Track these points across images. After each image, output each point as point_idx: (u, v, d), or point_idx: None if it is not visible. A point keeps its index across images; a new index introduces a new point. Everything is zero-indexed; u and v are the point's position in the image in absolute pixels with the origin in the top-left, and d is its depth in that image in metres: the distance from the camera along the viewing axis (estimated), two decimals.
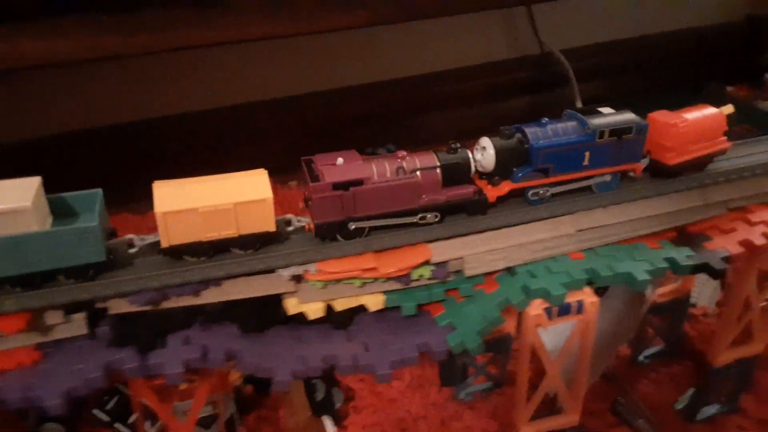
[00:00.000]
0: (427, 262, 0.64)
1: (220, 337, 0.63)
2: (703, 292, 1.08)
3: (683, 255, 0.69)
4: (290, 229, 0.67)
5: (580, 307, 0.66)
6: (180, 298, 0.61)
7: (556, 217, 0.69)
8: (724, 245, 0.71)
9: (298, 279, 0.63)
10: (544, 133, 0.70)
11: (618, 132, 0.70)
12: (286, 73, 1.52)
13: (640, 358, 1.01)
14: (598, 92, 1.82)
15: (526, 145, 0.69)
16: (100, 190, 0.62)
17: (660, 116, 0.74)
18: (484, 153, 0.69)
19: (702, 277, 1.03)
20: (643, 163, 0.75)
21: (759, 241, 0.71)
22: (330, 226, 0.64)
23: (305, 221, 0.67)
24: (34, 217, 0.56)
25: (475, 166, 0.69)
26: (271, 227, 0.63)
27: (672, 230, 0.73)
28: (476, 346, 0.63)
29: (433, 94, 1.65)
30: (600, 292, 0.69)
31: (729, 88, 1.88)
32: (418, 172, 0.65)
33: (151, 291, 0.60)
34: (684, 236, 0.74)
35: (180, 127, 1.46)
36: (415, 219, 0.67)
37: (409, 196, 0.66)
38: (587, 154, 0.70)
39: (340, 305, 0.64)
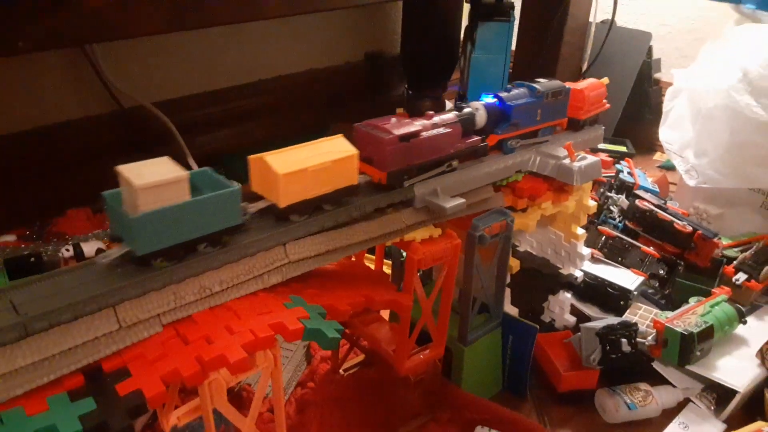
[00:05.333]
0: None
1: None
2: None
3: (71, 417, 0.50)
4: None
5: None
6: None
7: None
8: (144, 383, 0.54)
9: None
10: (513, 97, 0.89)
11: (555, 93, 0.93)
12: None
13: None
14: (218, 144, 1.68)
15: (500, 107, 0.88)
16: (209, 168, 0.65)
17: (570, 85, 0.99)
18: (477, 112, 0.86)
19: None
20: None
21: (189, 369, 0.55)
22: (397, 174, 0.76)
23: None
24: (187, 187, 0.58)
25: None
26: (355, 181, 0.72)
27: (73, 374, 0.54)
28: None
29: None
30: None
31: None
32: (450, 125, 0.81)
33: None
34: (96, 378, 0.54)
35: None
36: (443, 168, 0.82)
37: (445, 145, 0.81)
38: (539, 111, 0.92)
39: None
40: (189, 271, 0.60)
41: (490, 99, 0.89)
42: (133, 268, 0.59)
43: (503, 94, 0.88)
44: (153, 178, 0.56)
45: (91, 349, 0.54)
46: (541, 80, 0.94)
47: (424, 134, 0.77)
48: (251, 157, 0.67)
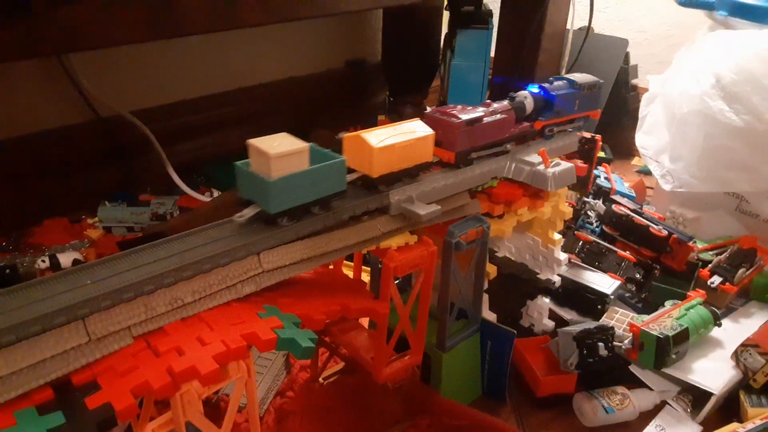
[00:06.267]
0: None
1: None
2: None
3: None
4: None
5: None
6: None
7: None
8: (113, 396, 0.53)
9: None
10: (555, 88, 0.98)
11: (591, 86, 1.02)
12: None
13: None
14: (199, 152, 1.67)
15: (545, 96, 0.97)
16: (314, 144, 0.71)
17: None
18: (525, 101, 0.94)
19: None
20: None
21: (159, 381, 0.55)
22: (463, 154, 0.86)
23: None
24: (308, 157, 0.68)
25: None
26: (430, 158, 0.82)
27: (42, 388, 0.53)
28: None
29: None
30: None
31: (343, 133, 1.90)
32: (505, 112, 0.90)
33: None
34: (67, 392, 0.54)
35: None
36: (500, 149, 0.92)
37: (501, 129, 0.90)
38: (577, 101, 1.00)
39: None
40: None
41: (534, 89, 0.96)
42: (263, 225, 0.69)
43: (546, 85, 0.97)
44: (283, 149, 0.65)
45: (60, 362, 0.53)
46: (577, 74, 1.03)
47: (486, 119, 0.86)
48: (346, 135, 0.75)
